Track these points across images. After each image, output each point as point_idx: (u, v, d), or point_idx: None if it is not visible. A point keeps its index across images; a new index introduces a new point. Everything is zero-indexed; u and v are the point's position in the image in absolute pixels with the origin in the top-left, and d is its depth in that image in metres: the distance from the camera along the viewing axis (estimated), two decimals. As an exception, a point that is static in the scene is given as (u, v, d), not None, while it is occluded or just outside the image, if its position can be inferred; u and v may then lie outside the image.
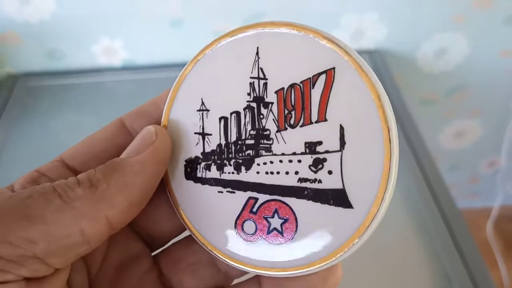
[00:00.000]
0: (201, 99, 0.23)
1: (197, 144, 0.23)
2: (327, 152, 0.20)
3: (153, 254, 0.25)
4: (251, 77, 0.22)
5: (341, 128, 0.20)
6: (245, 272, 0.23)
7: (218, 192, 0.23)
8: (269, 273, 0.22)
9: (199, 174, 0.23)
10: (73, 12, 0.64)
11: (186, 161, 0.23)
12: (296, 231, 0.21)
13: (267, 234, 0.22)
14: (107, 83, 0.69)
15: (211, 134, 0.23)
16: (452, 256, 0.43)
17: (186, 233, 0.25)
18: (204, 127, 0.23)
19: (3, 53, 0.68)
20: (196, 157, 0.23)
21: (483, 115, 0.80)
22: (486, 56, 0.71)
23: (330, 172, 0.20)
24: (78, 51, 0.69)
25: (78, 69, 0.70)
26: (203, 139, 0.23)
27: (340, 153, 0.20)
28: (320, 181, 0.21)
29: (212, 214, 0.23)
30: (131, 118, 0.24)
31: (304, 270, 0.21)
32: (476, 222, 0.79)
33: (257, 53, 0.22)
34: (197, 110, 0.23)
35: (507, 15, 0.66)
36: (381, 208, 0.20)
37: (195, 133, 0.23)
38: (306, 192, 0.21)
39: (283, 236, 0.21)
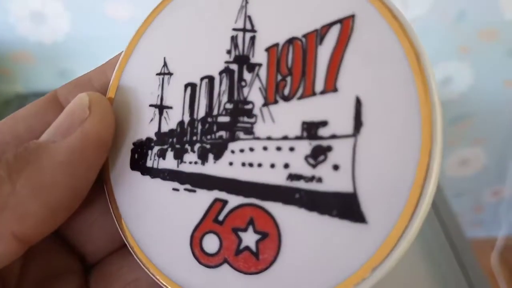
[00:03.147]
0: (164, 58, 0.16)
1: (151, 120, 0.16)
2: (333, 137, 0.14)
3: None
4: (234, 29, 0.15)
5: (358, 102, 0.13)
6: None
7: (173, 189, 0.16)
8: None
9: (149, 163, 0.16)
10: (86, 33, 0.63)
11: (134, 144, 0.17)
12: (277, 253, 0.14)
13: (236, 255, 0.15)
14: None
15: (171, 108, 0.16)
16: (459, 284, 0.41)
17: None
18: (164, 97, 0.16)
19: (14, 71, 0.67)
20: (148, 139, 0.16)
21: (487, 144, 0.80)
22: (491, 85, 0.71)
23: (336, 167, 0.14)
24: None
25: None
26: (160, 114, 0.16)
27: (353, 139, 0.13)
28: (320, 180, 0.14)
29: (160, 222, 0.16)
30: (67, 90, 0.18)
31: None
32: (480, 252, 0.76)
33: None
34: (157, 74, 0.16)
35: (511, 48, 0.67)
36: (410, 227, 0.13)
37: (150, 105, 0.16)
38: (298, 195, 0.14)
39: (258, 259, 0.14)
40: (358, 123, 0.13)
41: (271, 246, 0.14)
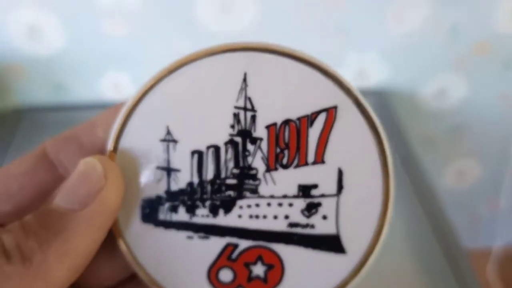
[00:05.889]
0: (167, 127, 0.19)
1: (159, 181, 0.19)
2: (322, 196, 0.19)
3: None
4: (236, 107, 0.18)
5: (340, 171, 0.19)
6: None
7: (187, 237, 0.19)
8: None
9: (161, 217, 0.19)
10: (81, 48, 0.63)
11: (144, 201, 0.19)
12: (281, 278, 0.19)
13: (248, 282, 0.20)
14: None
15: (179, 170, 0.19)
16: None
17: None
18: (170, 160, 0.19)
19: (8, 84, 0.66)
20: (158, 197, 0.19)
21: (482, 156, 0.80)
22: (485, 98, 0.73)
23: (324, 217, 0.19)
24: (85, 86, 0.67)
25: (85, 103, 0.67)
26: (169, 175, 0.19)
27: (336, 198, 0.19)
28: (312, 226, 0.19)
29: (179, 263, 0.19)
30: (56, 146, 0.19)
31: None
32: (476, 263, 0.74)
33: (244, 80, 0.18)
34: (161, 140, 0.19)
35: (506, 60, 0.70)
36: (374, 253, 0.19)
37: (157, 167, 0.19)
38: (296, 237, 0.19)
39: (266, 283, 0.19)
40: (340, 186, 0.19)
41: (276, 274, 0.19)
